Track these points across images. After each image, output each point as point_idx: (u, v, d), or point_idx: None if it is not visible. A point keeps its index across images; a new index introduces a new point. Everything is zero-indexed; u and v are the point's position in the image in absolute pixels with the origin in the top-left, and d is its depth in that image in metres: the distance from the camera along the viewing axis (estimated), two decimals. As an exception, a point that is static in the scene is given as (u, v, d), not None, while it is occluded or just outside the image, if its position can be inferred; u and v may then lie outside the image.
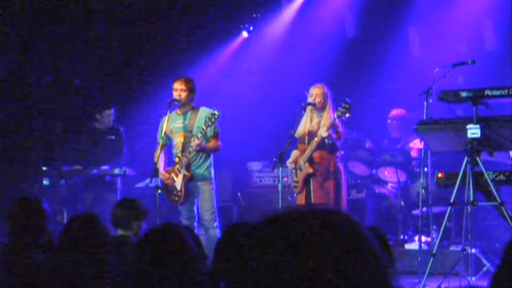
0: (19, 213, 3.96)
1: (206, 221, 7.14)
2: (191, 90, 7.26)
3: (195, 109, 7.30)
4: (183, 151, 7.22)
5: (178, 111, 7.33)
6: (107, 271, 3.19)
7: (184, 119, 7.28)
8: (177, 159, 7.25)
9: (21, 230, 3.85)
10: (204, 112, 7.23)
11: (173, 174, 7.25)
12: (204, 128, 7.02)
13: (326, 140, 6.97)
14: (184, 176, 7.17)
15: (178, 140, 7.28)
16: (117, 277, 3.27)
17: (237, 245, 1.19)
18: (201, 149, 7.09)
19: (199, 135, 7.04)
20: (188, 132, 7.22)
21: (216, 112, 7.01)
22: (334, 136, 7.01)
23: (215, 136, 7.20)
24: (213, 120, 6.99)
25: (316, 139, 7.05)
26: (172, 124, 7.29)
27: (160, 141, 7.24)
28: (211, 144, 7.18)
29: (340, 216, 1.19)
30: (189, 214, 7.25)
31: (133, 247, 4.64)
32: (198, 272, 2.97)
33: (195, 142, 7.02)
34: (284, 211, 1.20)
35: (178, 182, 7.20)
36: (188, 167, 7.17)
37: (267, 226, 1.18)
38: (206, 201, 7.17)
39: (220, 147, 7.24)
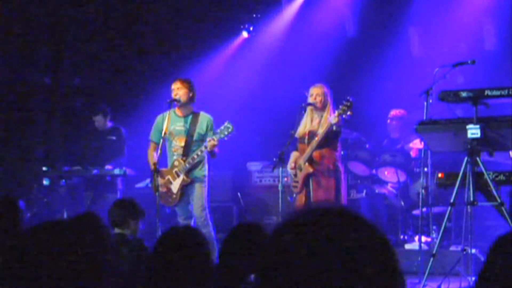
0: None
1: (197, 218, 7.15)
2: (189, 88, 7.24)
3: (195, 114, 7.28)
4: (183, 155, 7.19)
5: (177, 111, 7.31)
6: (108, 270, 3.19)
7: (185, 122, 7.26)
8: (176, 163, 7.23)
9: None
10: (204, 118, 7.24)
11: (169, 176, 7.23)
12: (215, 138, 7.01)
13: (334, 127, 6.94)
14: (183, 180, 7.16)
15: (178, 144, 7.26)
16: (116, 275, 3.27)
17: (261, 247, 1.23)
18: (213, 150, 7.09)
19: (216, 137, 7.03)
20: (189, 137, 7.21)
21: (230, 126, 7.00)
22: (342, 122, 7.00)
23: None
24: (225, 133, 6.99)
25: (316, 138, 7.04)
26: (172, 125, 7.27)
27: (157, 140, 7.21)
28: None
29: (355, 215, 1.22)
30: (186, 214, 7.25)
31: (131, 245, 4.66)
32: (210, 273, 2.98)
33: (212, 142, 7.00)
34: (304, 212, 1.23)
35: (175, 186, 7.20)
36: (188, 171, 7.16)
37: (293, 228, 1.21)
38: (197, 198, 7.17)
39: (217, 152, 7.25)
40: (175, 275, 2.87)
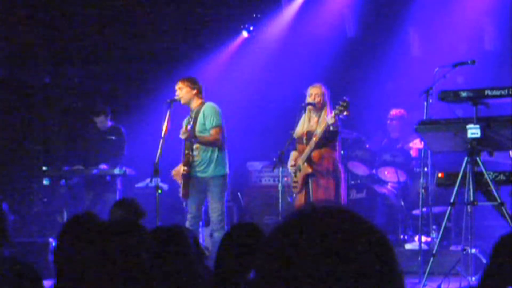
0: None
1: (213, 222, 7.09)
2: (190, 86, 7.20)
3: (201, 105, 7.23)
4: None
5: (191, 110, 7.33)
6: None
7: (191, 116, 7.26)
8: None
9: None
10: (204, 107, 7.19)
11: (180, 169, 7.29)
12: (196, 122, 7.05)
13: (331, 127, 6.93)
14: (182, 172, 7.18)
15: None
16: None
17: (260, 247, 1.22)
18: (189, 138, 7.06)
19: (189, 126, 7.05)
20: (193, 130, 7.20)
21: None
22: (339, 123, 6.99)
23: (215, 127, 7.13)
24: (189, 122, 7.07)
25: (314, 138, 7.04)
26: (185, 125, 7.30)
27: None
28: (210, 136, 7.13)
29: (354, 215, 1.22)
30: (195, 212, 7.16)
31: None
32: (196, 272, 2.98)
33: (181, 130, 7.05)
34: (303, 211, 1.23)
35: (180, 178, 7.22)
36: (188, 163, 7.14)
37: (292, 227, 1.21)
38: (214, 200, 7.10)
39: (217, 140, 7.11)
40: (156, 275, 2.86)
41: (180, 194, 7.25)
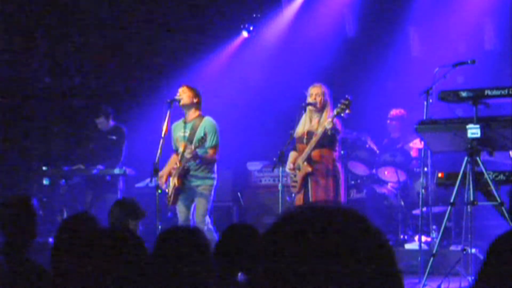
0: (10, 213, 3.97)
1: (197, 222, 7.19)
2: (194, 94, 7.33)
3: (200, 118, 7.33)
4: (180, 160, 7.26)
5: (185, 118, 7.39)
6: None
7: (186, 128, 7.33)
8: (175, 165, 7.29)
9: (12, 231, 3.85)
10: (205, 122, 7.27)
11: (171, 178, 7.31)
12: (199, 143, 7.05)
13: (329, 131, 6.93)
14: (174, 184, 7.21)
15: (180, 149, 7.32)
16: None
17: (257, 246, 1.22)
18: (194, 158, 7.10)
19: (196, 144, 7.07)
20: (188, 142, 7.24)
21: (205, 137, 7.06)
22: (337, 127, 6.99)
23: (214, 147, 7.25)
24: (202, 142, 7.02)
25: (315, 138, 7.03)
26: (177, 133, 7.39)
27: (174, 148, 7.43)
28: (208, 155, 7.23)
29: (354, 214, 1.22)
30: (185, 217, 7.29)
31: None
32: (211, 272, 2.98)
33: (188, 150, 7.08)
34: (301, 210, 1.22)
35: (170, 188, 7.27)
36: (180, 176, 7.20)
37: (285, 226, 1.20)
38: (200, 205, 7.23)
39: (214, 159, 7.28)
40: (175, 275, 2.86)
41: (169, 202, 7.30)
